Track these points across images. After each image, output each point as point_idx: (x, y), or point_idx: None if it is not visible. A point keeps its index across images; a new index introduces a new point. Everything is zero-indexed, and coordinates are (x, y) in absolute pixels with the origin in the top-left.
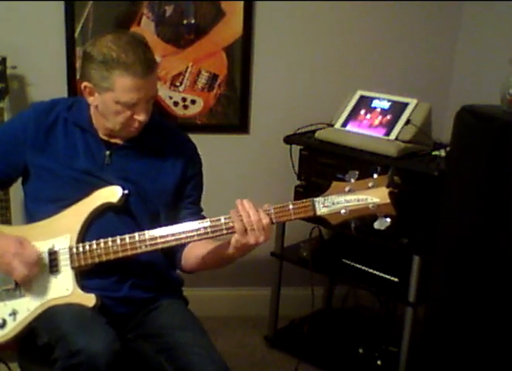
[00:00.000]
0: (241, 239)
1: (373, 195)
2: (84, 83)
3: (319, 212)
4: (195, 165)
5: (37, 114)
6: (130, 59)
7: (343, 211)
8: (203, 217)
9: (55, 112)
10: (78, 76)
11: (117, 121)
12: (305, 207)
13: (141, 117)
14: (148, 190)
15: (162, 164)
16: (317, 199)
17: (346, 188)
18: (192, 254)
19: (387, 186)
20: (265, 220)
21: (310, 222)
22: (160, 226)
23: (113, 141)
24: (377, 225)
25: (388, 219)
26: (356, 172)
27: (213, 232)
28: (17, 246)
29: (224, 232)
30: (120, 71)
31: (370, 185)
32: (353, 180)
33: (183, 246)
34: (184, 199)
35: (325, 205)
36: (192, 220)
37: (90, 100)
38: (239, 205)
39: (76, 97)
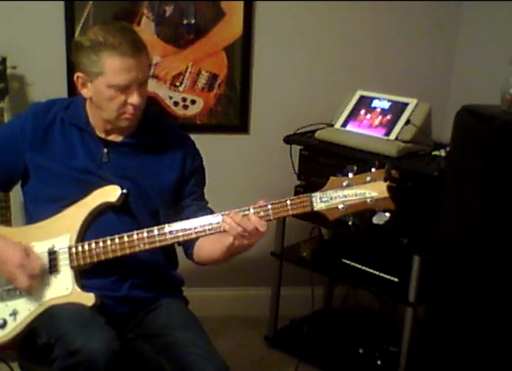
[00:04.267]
0: (239, 242)
1: (371, 190)
2: (76, 74)
3: (316, 208)
4: (194, 161)
5: (35, 115)
6: (117, 41)
7: (340, 206)
8: (211, 210)
9: (52, 112)
10: None
11: (112, 108)
12: (302, 202)
13: (134, 100)
14: (147, 187)
15: (160, 161)
16: (314, 195)
17: (344, 183)
18: (203, 247)
19: (385, 180)
20: (261, 228)
21: (310, 221)
22: (160, 224)
23: (110, 138)
24: (375, 219)
25: (387, 214)
26: (355, 167)
27: (210, 230)
28: (23, 256)
29: (221, 230)
30: (108, 52)
31: (368, 179)
32: (350, 175)
33: (195, 239)
34: (188, 196)
35: (323, 200)
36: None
37: (84, 92)
38: (227, 220)
39: (73, 97)
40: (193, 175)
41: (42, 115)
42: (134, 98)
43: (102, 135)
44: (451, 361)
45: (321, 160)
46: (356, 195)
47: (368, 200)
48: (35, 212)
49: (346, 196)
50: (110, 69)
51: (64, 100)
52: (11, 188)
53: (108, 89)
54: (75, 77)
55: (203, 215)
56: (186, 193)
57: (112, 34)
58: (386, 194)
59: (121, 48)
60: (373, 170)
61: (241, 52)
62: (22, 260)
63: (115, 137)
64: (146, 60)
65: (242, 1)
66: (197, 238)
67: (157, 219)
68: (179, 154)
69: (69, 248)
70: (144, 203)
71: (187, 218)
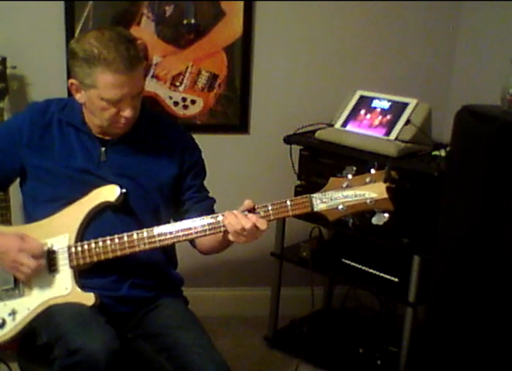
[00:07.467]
0: (236, 241)
1: (370, 191)
2: (70, 80)
3: (316, 208)
4: (192, 154)
5: (32, 115)
6: (111, 56)
7: (340, 207)
8: (212, 199)
9: (49, 113)
10: None
11: (104, 118)
12: (302, 203)
13: (126, 114)
14: (147, 185)
15: (158, 157)
16: (314, 195)
17: (344, 184)
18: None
19: (385, 181)
20: (261, 226)
21: (310, 221)
22: (162, 222)
23: (107, 137)
24: (375, 220)
25: (386, 214)
26: (354, 168)
27: (210, 230)
28: (19, 241)
29: (222, 229)
30: (101, 68)
31: (367, 180)
32: (350, 176)
33: None
34: (188, 189)
35: (323, 201)
36: (200, 208)
37: (78, 97)
38: (228, 216)
39: (69, 98)
40: (192, 168)
41: (39, 115)
42: (126, 112)
43: (99, 135)
44: (451, 361)
45: (321, 160)
46: (355, 196)
47: (368, 201)
48: (34, 212)
49: (345, 197)
50: (103, 84)
51: (60, 100)
52: (7, 187)
53: (101, 101)
54: (69, 83)
55: (203, 206)
56: (185, 187)
57: (107, 47)
58: (385, 195)
59: (115, 64)
60: (372, 171)
61: (241, 52)
62: (20, 244)
63: (112, 136)
64: (141, 73)
65: (242, 1)
66: None
67: (158, 216)
68: (177, 150)
69: (69, 248)
70: (144, 201)
71: (188, 211)
